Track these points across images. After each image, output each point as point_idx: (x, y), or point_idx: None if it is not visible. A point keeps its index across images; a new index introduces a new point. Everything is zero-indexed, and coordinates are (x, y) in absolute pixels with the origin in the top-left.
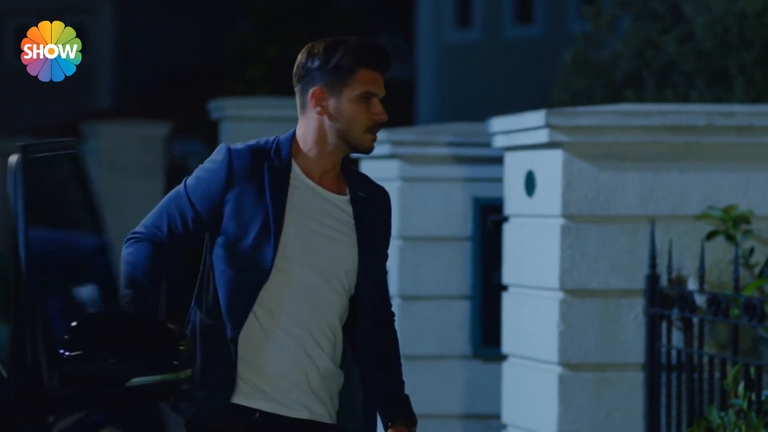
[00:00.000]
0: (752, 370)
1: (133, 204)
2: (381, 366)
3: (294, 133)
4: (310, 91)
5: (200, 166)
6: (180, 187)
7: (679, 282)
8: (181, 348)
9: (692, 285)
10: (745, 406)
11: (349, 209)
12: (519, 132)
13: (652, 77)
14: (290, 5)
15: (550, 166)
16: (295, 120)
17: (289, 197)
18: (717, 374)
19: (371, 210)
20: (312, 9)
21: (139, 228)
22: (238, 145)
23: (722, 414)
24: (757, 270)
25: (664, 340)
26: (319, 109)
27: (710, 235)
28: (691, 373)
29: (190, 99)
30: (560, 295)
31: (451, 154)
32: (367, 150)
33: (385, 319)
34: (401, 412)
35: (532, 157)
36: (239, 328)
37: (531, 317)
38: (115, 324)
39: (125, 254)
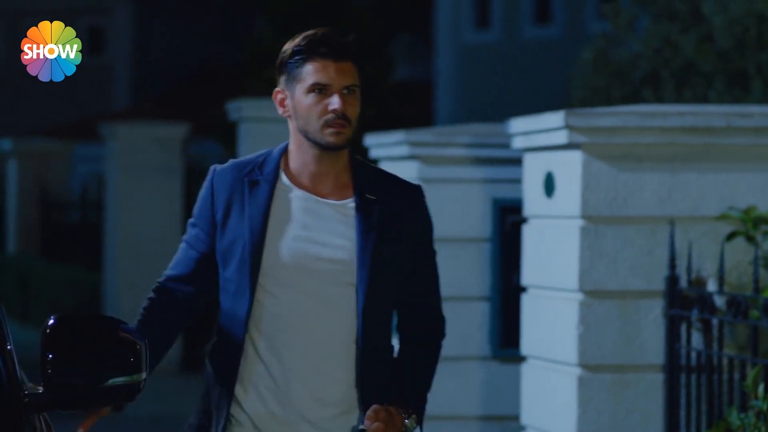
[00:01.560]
0: None
1: (151, 205)
2: (406, 358)
3: (288, 143)
4: (274, 92)
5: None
6: (189, 222)
7: (699, 283)
8: (137, 348)
9: (712, 286)
10: (765, 407)
11: (351, 213)
12: (538, 133)
13: (671, 77)
14: (307, 5)
15: (569, 167)
16: None
17: (272, 212)
18: (737, 376)
19: (383, 209)
20: (329, 9)
21: (161, 275)
22: (225, 164)
23: (742, 416)
24: None
25: (683, 342)
26: (281, 110)
27: (730, 236)
28: (710, 375)
29: (208, 100)
30: (579, 296)
31: (469, 155)
32: (330, 146)
33: (424, 315)
34: (397, 399)
35: (551, 158)
36: (235, 365)
37: (550, 318)
38: (83, 326)
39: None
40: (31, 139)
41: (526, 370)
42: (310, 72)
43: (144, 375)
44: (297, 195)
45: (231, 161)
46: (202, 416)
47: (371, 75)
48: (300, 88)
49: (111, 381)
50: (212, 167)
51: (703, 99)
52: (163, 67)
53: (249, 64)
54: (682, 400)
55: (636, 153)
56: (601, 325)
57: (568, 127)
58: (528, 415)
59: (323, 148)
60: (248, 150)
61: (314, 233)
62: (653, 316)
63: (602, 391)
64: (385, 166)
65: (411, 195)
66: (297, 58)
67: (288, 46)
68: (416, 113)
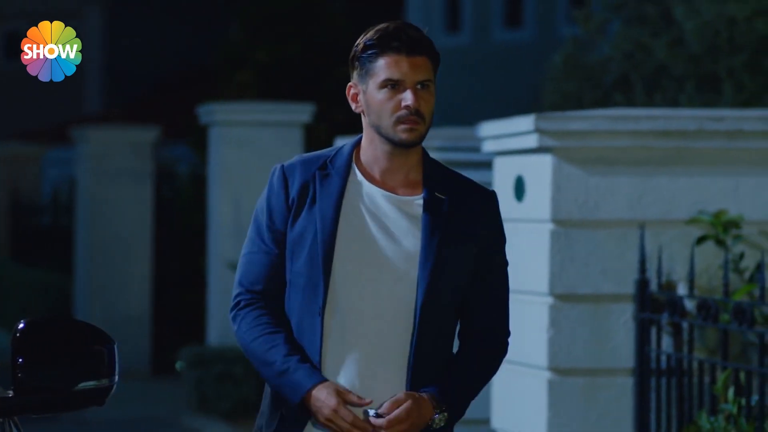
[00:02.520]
0: (742, 375)
1: (122, 209)
2: (460, 361)
3: (361, 137)
4: (347, 87)
5: (260, 200)
6: (252, 231)
7: (669, 287)
8: (108, 352)
9: (682, 290)
10: (734, 411)
11: (418, 210)
12: (508, 137)
13: (642, 81)
14: (280, 10)
15: (540, 170)
16: (283, 124)
17: (343, 205)
18: (707, 379)
19: (453, 210)
20: (302, 13)
21: (238, 290)
22: (292, 160)
23: (712, 419)
24: (747, 275)
25: (653, 345)
26: (354, 105)
27: (700, 240)
28: (680, 378)
29: (180, 104)
30: (550, 300)
31: (440, 158)
32: (403, 142)
33: (487, 332)
34: (435, 390)
35: (522, 162)
36: (316, 359)
37: (521, 322)
38: (54, 329)
39: (242, 336)
40: (3, 143)
41: (497, 373)
42: (382, 67)
43: (115, 379)
44: (367, 189)
45: (297, 156)
46: (278, 424)
47: (344, 79)
48: (372, 84)
49: (81, 385)
50: (276, 165)
51: (674, 103)
52: (134, 71)
53: (221, 69)
54: (653, 404)
55: (607, 157)
56: (572, 328)
57: (538, 130)
58: (498, 419)
59: (395, 145)
60: (219, 153)
61: (382, 228)
62: (624, 319)
63: (573, 395)
64: None
65: (484, 199)
66: (369, 52)
67: (360, 40)
68: None
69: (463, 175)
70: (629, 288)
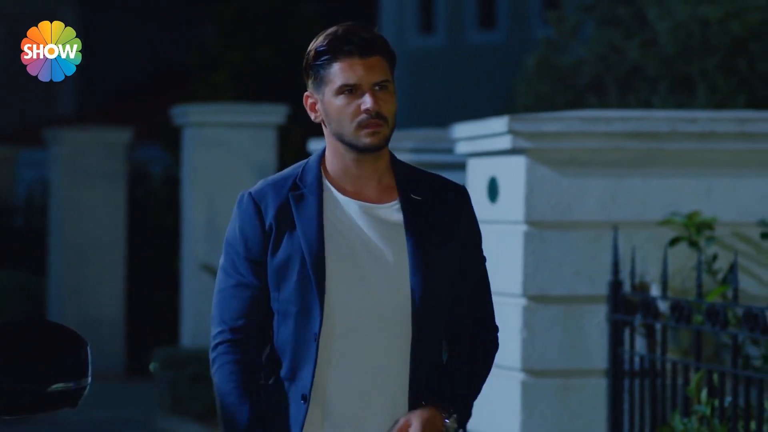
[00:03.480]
0: (715, 376)
1: (95, 210)
2: (455, 365)
3: (324, 149)
4: (304, 97)
5: (230, 231)
6: (226, 263)
7: (642, 288)
8: (80, 353)
9: (655, 291)
10: (708, 412)
11: (399, 216)
12: (482, 138)
13: (615, 83)
14: (254, 11)
15: (513, 172)
16: (256, 126)
17: (325, 223)
18: (680, 380)
19: (430, 210)
20: (276, 15)
21: (219, 327)
22: (259, 185)
23: (685, 420)
24: (720, 276)
25: (627, 347)
26: (313, 115)
27: (673, 242)
28: (654, 380)
29: (154, 105)
30: (523, 301)
31: (413, 160)
32: (367, 147)
33: (476, 332)
34: (439, 398)
35: (495, 164)
36: (308, 383)
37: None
38: (27, 331)
39: (219, 380)
40: None
41: None
42: (336, 72)
43: (88, 380)
44: (344, 202)
45: (262, 181)
46: None
47: None
48: (329, 91)
49: (54, 386)
50: (244, 193)
51: (648, 104)
52: (108, 73)
53: (195, 70)
54: (626, 405)
55: (580, 158)
56: (545, 330)
57: (511, 132)
58: (472, 421)
59: (360, 151)
60: (193, 155)
61: (367, 242)
62: (597, 321)
63: (546, 396)
64: None
65: (457, 195)
66: (322, 59)
67: (311, 47)
68: None
69: (432, 173)
70: (603, 289)
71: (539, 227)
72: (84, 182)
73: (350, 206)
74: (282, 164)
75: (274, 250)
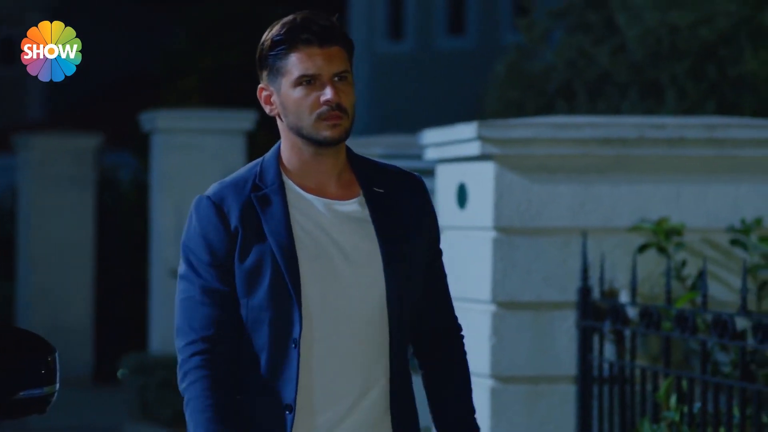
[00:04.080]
0: (684, 382)
1: (63, 215)
2: (443, 386)
3: (278, 146)
4: (257, 91)
5: (184, 239)
6: (187, 272)
7: (611, 294)
8: (49, 360)
9: (624, 297)
10: (677, 418)
11: (364, 211)
12: (451, 144)
13: (585, 88)
14: (225, 17)
15: (482, 178)
16: (225, 131)
17: (293, 223)
18: (649, 387)
19: (394, 203)
20: (246, 20)
21: (189, 338)
22: (215, 188)
23: (654, 426)
24: (689, 282)
25: (596, 353)
26: (268, 109)
27: (642, 248)
28: (623, 386)
29: (123, 110)
30: (492, 307)
31: None
32: (328, 140)
33: (442, 327)
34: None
35: (464, 170)
36: (292, 395)
37: (463, 330)
38: None
39: (192, 397)
40: None
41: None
42: (294, 63)
43: (56, 387)
44: (308, 200)
45: (217, 184)
46: None
47: None
48: (286, 82)
49: (23, 393)
50: (200, 197)
51: (617, 110)
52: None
53: (165, 75)
54: (595, 411)
55: (549, 164)
56: (515, 336)
57: (480, 138)
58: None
59: (320, 144)
60: (161, 160)
61: (335, 240)
62: (566, 327)
63: (515, 403)
64: None
65: (415, 185)
66: (278, 49)
67: (266, 36)
68: None
69: (387, 163)
70: (572, 295)
71: (508, 233)
72: (53, 188)
73: (315, 204)
74: None
75: (243, 255)
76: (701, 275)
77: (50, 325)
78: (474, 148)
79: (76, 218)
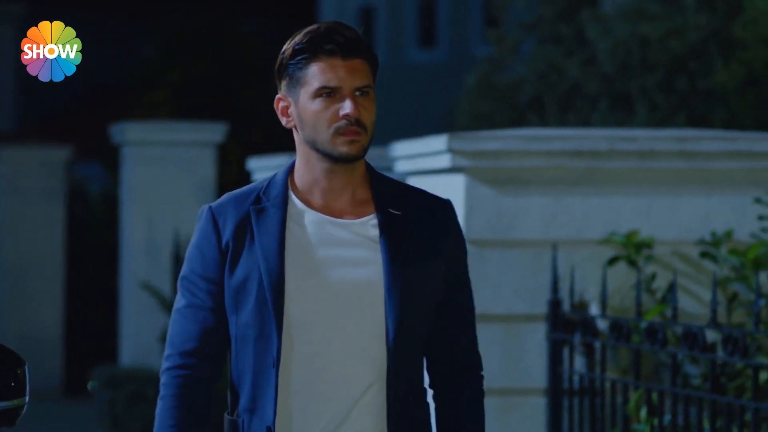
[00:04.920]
0: (654, 394)
1: (33, 228)
2: (448, 429)
3: (294, 161)
4: (275, 101)
5: (189, 247)
6: (184, 282)
7: (582, 307)
8: (18, 372)
9: (594, 310)
10: (647, 431)
11: (373, 232)
12: (421, 157)
13: (555, 101)
14: (194, 30)
15: (453, 191)
16: (195, 144)
17: (287, 241)
18: (619, 399)
19: (409, 226)
20: (216, 34)
21: (168, 350)
22: (220, 199)
23: None
24: (659, 295)
25: (566, 365)
26: (284, 120)
27: (612, 261)
28: (593, 398)
29: (93, 123)
30: None
31: None
32: (344, 157)
33: (457, 364)
34: None
35: (435, 182)
36: (270, 420)
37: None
38: None
39: (159, 412)
40: None
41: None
42: (315, 73)
43: (26, 399)
44: (311, 217)
45: (227, 194)
46: None
47: (256, 98)
48: (305, 94)
49: None
50: (204, 207)
51: (588, 122)
52: (47, 90)
53: (134, 88)
54: (565, 424)
55: (519, 177)
56: (485, 348)
57: (451, 150)
58: None
59: (336, 161)
60: (131, 173)
61: (336, 260)
62: (537, 339)
63: (486, 415)
64: None
65: (440, 209)
66: (299, 58)
67: (288, 46)
68: None
69: (414, 186)
70: (542, 308)
71: (479, 246)
72: (23, 200)
73: (317, 221)
74: (221, 182)
75: (232, 269)
76: (671, 288)
77: (20, 337)
78: (445, 161)
79: (46, 230)
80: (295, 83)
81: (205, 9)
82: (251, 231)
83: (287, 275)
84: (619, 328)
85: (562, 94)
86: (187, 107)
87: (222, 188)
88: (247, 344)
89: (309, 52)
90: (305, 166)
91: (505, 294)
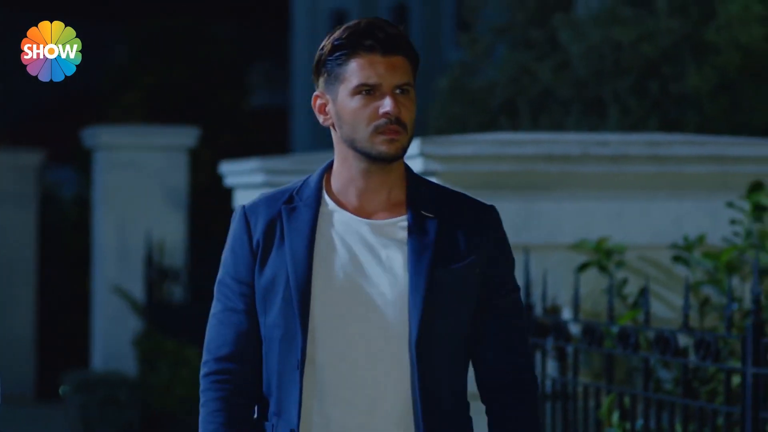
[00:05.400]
0: (627, 399)
1: (6, 232)
2: None
3: (332, 161)
4: (312, 98)
5: (225, 250)
6: (219, 286)
7: (554, 311)
8: None
9: (567, 314)
10: None
11: (403, 234)
12: None
13: (528, 105)
14: (166, 34)
15: None
16: (167, 148)
17: (317, 241)
18: (592, 403)
19: (443, 230)
20: (188, 38)
21: (205, 357)
22: (254, 199)
23: None
24: (630, 300)
25: (539, 369)
26: (322, 118)
27: (582, 267)
28: (565, 402)
29: (65, 127)
30: None
31: None
32: (383, 156)
33: (504, 375)
34: None
35: None
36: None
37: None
38: None
39: (202, 419)
40: None
41: None
42: (354, 70)
43: None
44: (342, 218)
45: (262, 194)
46: None
47: (228, 102)
48: (344, 90)
49: None
50: (239, 206)
51: (560, 127)
52: (19, 94)
53: (107, 92)
54: None
55: (492, 181)
56: None
57: (423, 155)
58: None
59: (374, 160)
60: (103, 177)
61: (364, 261)
62: None
63: None
64: (241, 195)
65: (481, 215)
66: (338, 54)
67: (326, 42)
68: (274, 140)
69: (457, 191)
70: None
71: None
72: None
73: (349, 221)
74: (194, 187)
75: (261, 269)
76: (643, 293)
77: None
78: (417, 165)
79: (19, 235)
80: (334, 80)
81: (179, 13)
82: (281, 230)
83: (314, 276)
84: (592, 333)
85: (535, 98)
86: (160, 112)
87: (194, 192)
88: (273, 345)
89: (348, 48)
90: (343, 164)
91: None
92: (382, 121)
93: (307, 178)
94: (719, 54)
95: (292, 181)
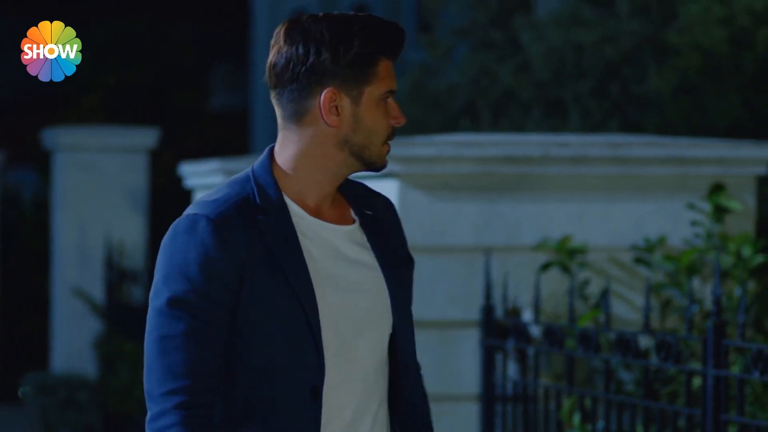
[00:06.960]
0: (588, 400)
1: None
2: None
3: (270, 157)
4: (323, 93)
5: (168, 266)
6: (176, 304)
7: (515, 313)
8: None
9: (528, 316)
10: None
11: (363, 237)
12: None
13: (489, 107)
14: (126, 35)
15: (386, 195)
16: (127, 149)
17: (306, 255)
18: (553, 405)
19: (382, 226)
20: (148, 39)
21: (173, 385)
22: (211, 207)
23: None
24: (592, 301)
25: (499, 372)
26: (332, 118)
27: (545, 267)
28: (526, 404)
29: (25, 128)
30: None
31: None
32: (382, 167)
33: (410, 364)
34: None
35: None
36: None
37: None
38: None
39: None
40: None
41: None
42: (383, 73)
43: None
44: (311, 225)
45: (212, 201)
46: None
47: (189, 103)
48: (370, 94)
49: None
50: (195, 217)
51: (521, 128)
52: None
53: (67, 93)
54: (498, 430)
55: (452, 183)
56: (419, 355)
57: None
58: None
59: (370, 169)
60: (63, 178)
61: (344, 271)
62: (471, 345)
63: None
64: (201, 195)
65: (390, 206)
66: (367, 53)
67: (345, 35)
68: (234, 141)
69: (358, 181)
70: (475, 314)
71: (412, 251)
72: None
73: (320, 230)
74: (153, 188)
75: (252, 292)
76: (604, 294)
77: None
78: None
79: None
80: (359, 81)
81: (140, 14)
82: (264, 245)
83: (319, 297)
84: (553, 334)
85: (496, 100)
86: (120, 113)
87: (154, 194)
88: (269, 373)
89: (378, 45)
90: (317, 166)
91: (438, 300)
92: (391, 131)
93: (255, 179)
94: (680, 56)
95: (224, 182)
